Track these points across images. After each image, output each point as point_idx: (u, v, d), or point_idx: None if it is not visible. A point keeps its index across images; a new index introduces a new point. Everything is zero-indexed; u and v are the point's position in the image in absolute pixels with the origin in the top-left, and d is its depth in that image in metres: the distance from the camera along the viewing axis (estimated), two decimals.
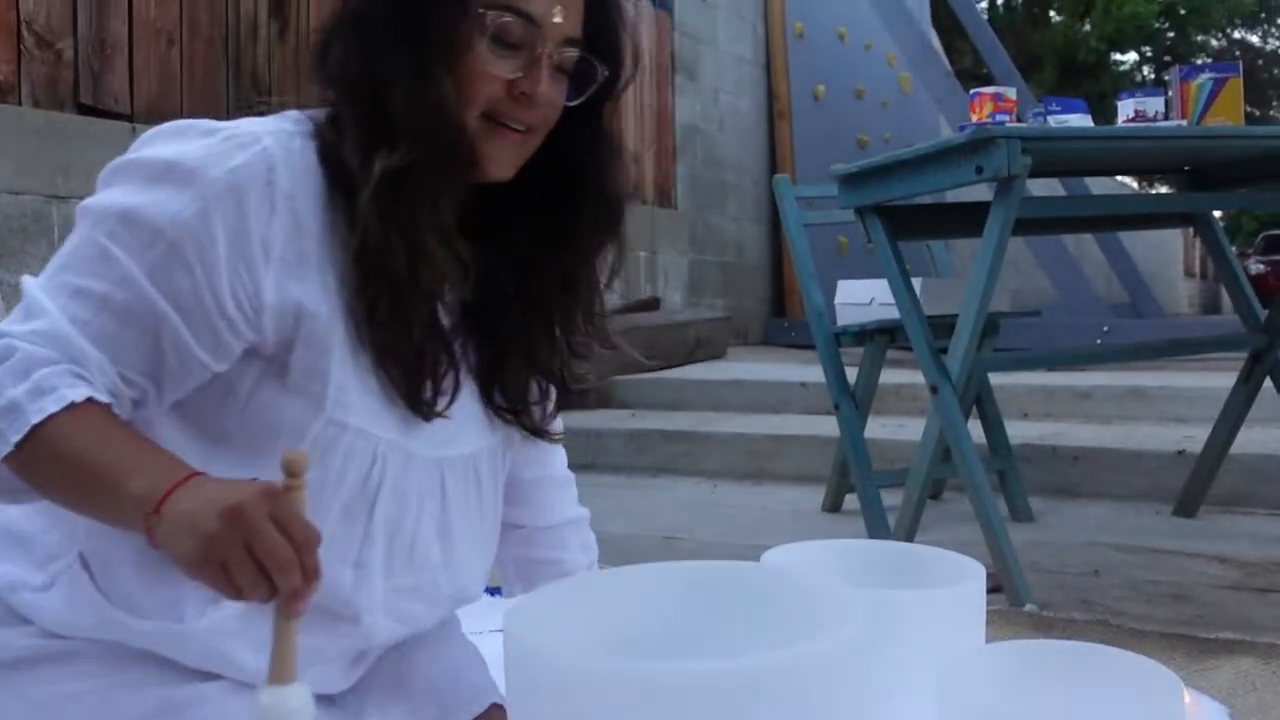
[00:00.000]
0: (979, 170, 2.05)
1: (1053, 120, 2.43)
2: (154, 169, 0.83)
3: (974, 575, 1.04)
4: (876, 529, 2.58)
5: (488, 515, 1.01)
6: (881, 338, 2.79)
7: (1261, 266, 14.85)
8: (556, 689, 0.72)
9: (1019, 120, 2.47)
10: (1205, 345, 2.65)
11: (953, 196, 2.85)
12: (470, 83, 0.87)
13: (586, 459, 3.84)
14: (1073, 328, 4.79)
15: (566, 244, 0.97)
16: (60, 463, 0.77)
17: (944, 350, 2.26)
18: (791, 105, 6.50)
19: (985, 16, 9.43)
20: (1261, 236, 17.42)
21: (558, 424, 1.09)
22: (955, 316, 2.23)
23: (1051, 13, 14.94)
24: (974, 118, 2.46)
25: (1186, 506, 2.70)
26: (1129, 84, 14.96)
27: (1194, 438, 2.99)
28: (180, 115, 3.14)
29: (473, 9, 0.87)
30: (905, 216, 2.44)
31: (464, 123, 0.88)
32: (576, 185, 0.97)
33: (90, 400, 0.79)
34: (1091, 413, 3.59)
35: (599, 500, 3.28)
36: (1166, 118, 2.42)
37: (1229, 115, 2.49)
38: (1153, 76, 16.65)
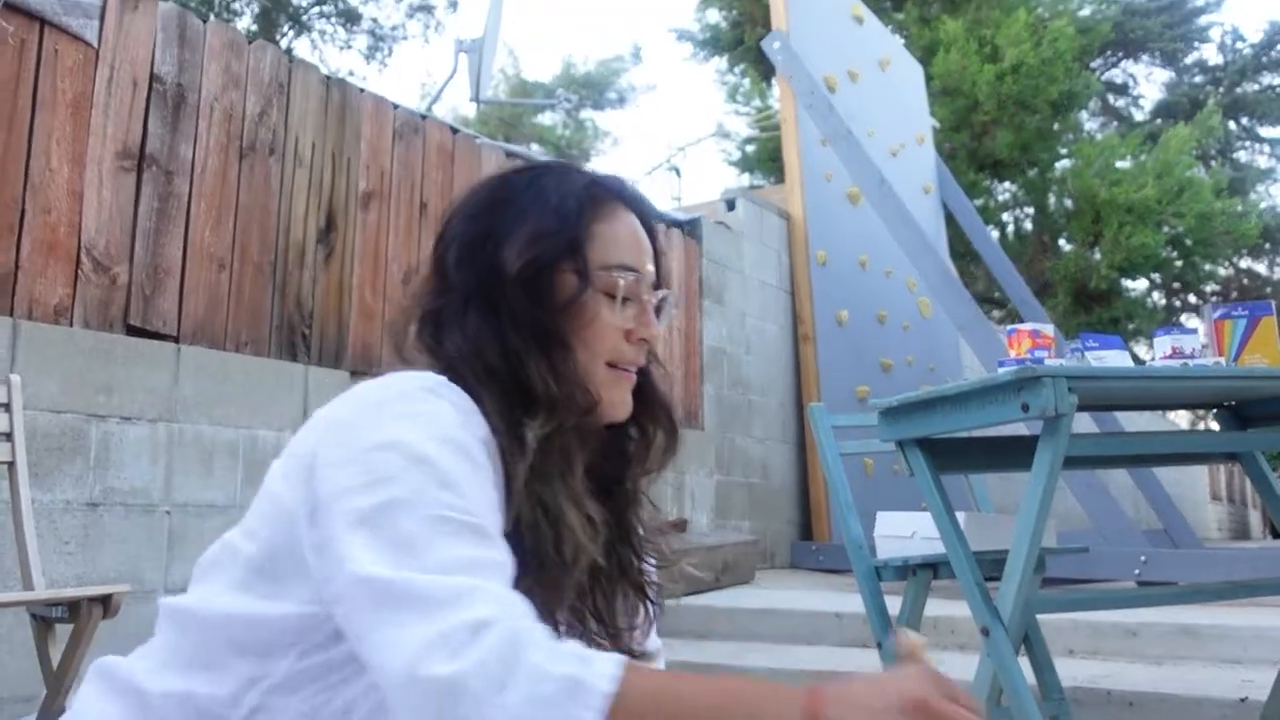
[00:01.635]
0: (1025, 408, 2.04)
1: (1091, 357, 2.44)
2: (415, 429, 0.82)
3: None
4: None
5: None
6: (924, 573, 2.72)
7: None
8: None
9: (1057, 356, 2.49)
10: (1268, 588, 2.56)
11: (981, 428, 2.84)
12: (599, 338, 0.95)
13: None
14: (1110, 557, 4.68)
15: (640, 463, 1.04)
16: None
17: (990, 579, 2.19)
18: (816, 329, 6.63)
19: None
20: None
21: (654, 642, 1.09)
22: (1001, 553, 2.17)
23: (1061, 241, 15.42)
24: (1013, 353, 2.48)
25: None
26: (1141, 310, 15.27)
27: (1253, 682, 2.86)
28: (224, 337, 3.19)
29: (590, 273, 0.94)
30: (948, 450, 2.42)
31: (597, 382, 0.94)
32: (645, 409, 1.04)
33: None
34: (1141, 652, 3.45)
35: None
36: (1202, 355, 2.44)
37: (1265, 353, 2.50)
38: (1164, 303, 17.03)
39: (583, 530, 0.88)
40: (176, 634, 0.88)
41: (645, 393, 1.03)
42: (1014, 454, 2.42)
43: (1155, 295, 17.36)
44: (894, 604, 2.77)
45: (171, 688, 0.85)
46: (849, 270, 7.05)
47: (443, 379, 0.88)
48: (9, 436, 2.60)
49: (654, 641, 1.09)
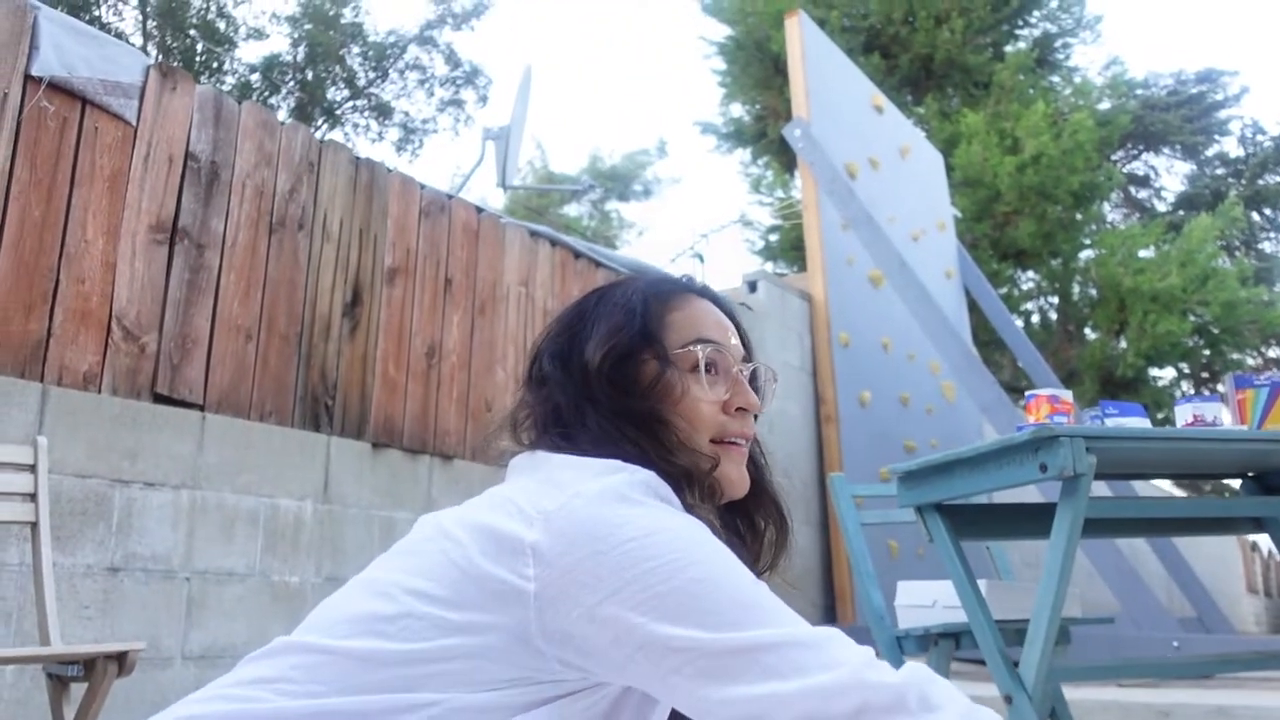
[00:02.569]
0: (1043, 468, 2.03)
1: (1110, 423, 2.43)
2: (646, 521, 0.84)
3: None
4: None
5: None
6: (946, 643, 2.67)
7: None
8: None
9: (1076, 423, 2.47)
10: None
11: (998, 497, 2.81)
12: (695, 413, 0.97)
13: None
14: (1141, 640, 4.58)
15: (752, 563, 1.03)
16: None
17: (1015, 663, 2.14)
18: (838, 410, 6.61)
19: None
20: None
21: None
22: (1023, 622, 2.14)
23: (1086, 330, 15.37)
24: (1031, 418, 2.47)
25: None
26: (1169, 400, 15.11)
27: None
28: (249, 406, 3.21)
29: (668, 355, 0.97)
30: (968, 516, 2.40)
31: (706, 449, 0.96)
32: (753, 498, 1.05)
33: None
34: None
35: None
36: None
37: None
38: (1192, 393, 16.85)
39: None
40: (342, 668, 0.83)
41: (753, 481, 1.04)
42: (1035, 520, 2.40)
43: (1184, 385, 17.20)
44: None
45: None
46: (871, 352, 7.06)
47: (643, 469, 0.88)
48: (33, 498, 2.63)
49: None
